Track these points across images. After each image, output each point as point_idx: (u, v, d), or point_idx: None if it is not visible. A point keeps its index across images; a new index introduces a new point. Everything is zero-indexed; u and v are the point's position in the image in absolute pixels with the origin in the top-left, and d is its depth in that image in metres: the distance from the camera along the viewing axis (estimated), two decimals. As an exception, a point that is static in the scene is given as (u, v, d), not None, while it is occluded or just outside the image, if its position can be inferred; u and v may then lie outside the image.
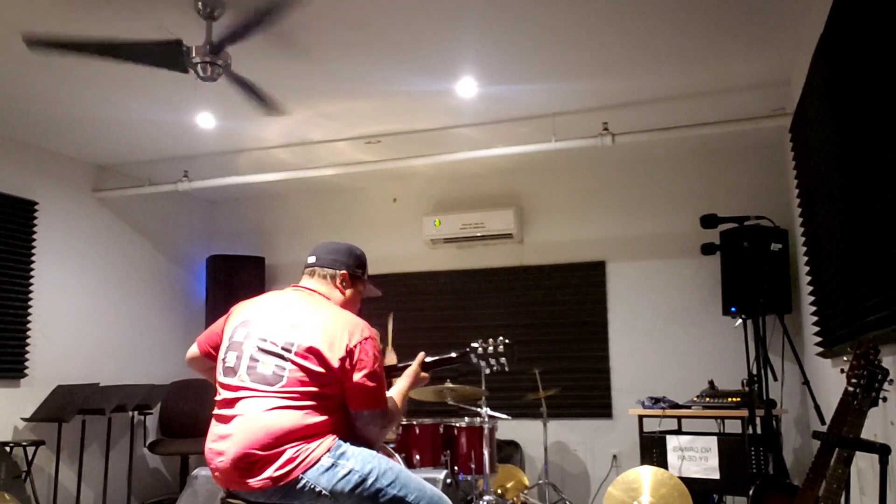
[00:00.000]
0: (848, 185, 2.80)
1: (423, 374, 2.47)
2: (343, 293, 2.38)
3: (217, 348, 2.33)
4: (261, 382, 2.12)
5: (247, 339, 2.20)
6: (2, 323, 4.89)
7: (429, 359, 2.51)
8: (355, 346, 2.14)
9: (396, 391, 2.36)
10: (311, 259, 2.42)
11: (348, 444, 2.13)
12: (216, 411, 2.18)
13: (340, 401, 2.15)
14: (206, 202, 6.97)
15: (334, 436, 2.12)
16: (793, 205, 4.62)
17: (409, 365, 2.49)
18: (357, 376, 2.12)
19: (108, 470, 5.27)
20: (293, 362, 2.11)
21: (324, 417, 2.10)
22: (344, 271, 2.39)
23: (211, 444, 2.14)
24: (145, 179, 5.80)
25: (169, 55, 3.27)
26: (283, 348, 2.14)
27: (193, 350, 2.43)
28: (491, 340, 2.61)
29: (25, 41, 3.27)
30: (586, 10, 3.48)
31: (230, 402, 2.14)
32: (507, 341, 2.59)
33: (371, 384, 2.14)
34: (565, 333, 5.83)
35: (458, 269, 6.20)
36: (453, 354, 2.60)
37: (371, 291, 2.51)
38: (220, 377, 2.21)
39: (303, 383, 2.10)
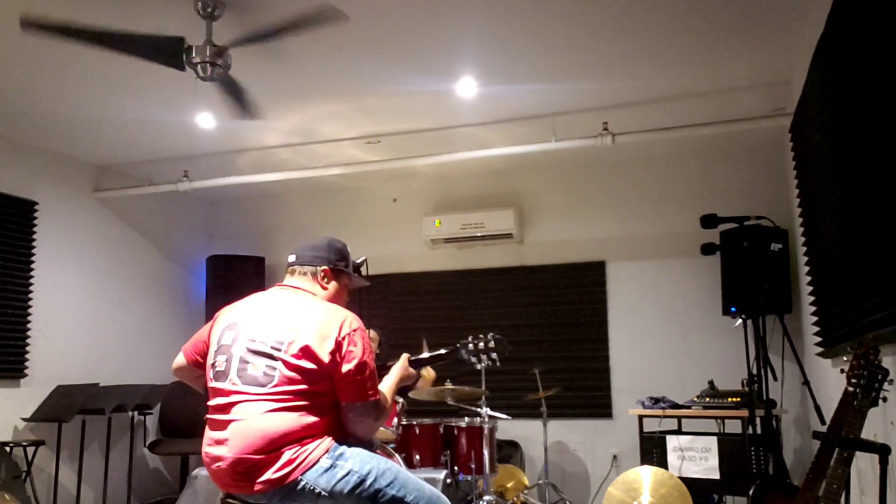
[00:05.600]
0: (848, 185, 2.80)
1: (411, 370, 2.51)
2: (326, 288, 2.37)
3: (204, 356, 2.31)
4: (252, 384, 2.11)
5: (235, 342, 2.19)
6: (2, 323, 4.89)
7: (414, 357, 2.56)
8: (344, 338, 2.13)
9: (385, 386, 2.35)
10: (292, 258, 2.41)
11: (346, 445, 2.13)
12: (210, 416, 2.17)
13: (333, 399, 2.14)
14: (206, 202, 6.96)
15: (331, 437, 2.11)
16: (793, 205, 4.61)
17: (416, 358, 2.53)
18: (346, 367, 2.11)
19: (108, 470, 5.27)
20: (284, 361, 2.10)
21: (318, 418, 2.10)
22: (325, 267, 2.37)
23: (207, 449, 2.14)
24: (145, 179, 5.80)
25: (169, 51, 3.25)
26: (272, 347, 2.13)
27: (180, 360, 2.40)
28: (482, 336, 2.64)
29: (22, 23, 3.15)
30: (586, 11, 3.48)
31: (224, 407, 2.13)
32: (497, 336, 2.62)
33: (362, 375, 2.13)
34: (565, 333, 5.83)
35: (458, 269, 6.20)
36: (443, 351, 2.62)
37: (358, 282, 2.50)
38: (212, 382, 2.20)
39: (294, 382, 2.09)
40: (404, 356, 2.53)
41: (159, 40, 3.24)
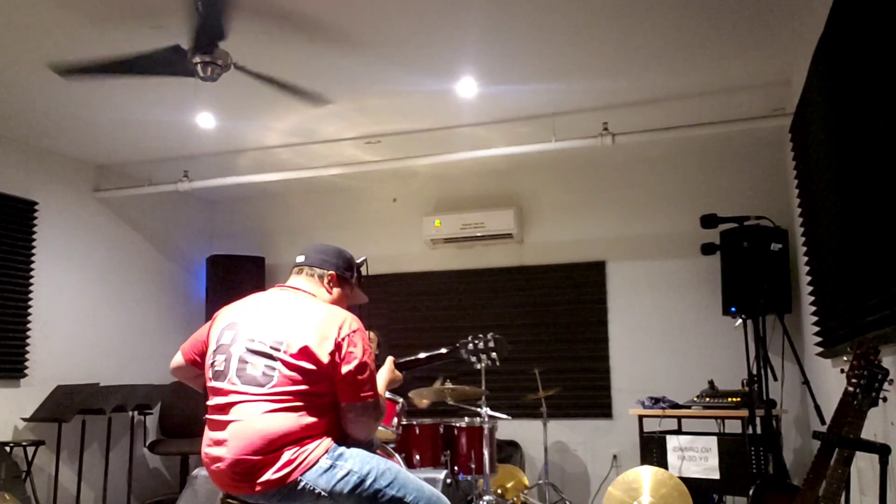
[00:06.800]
0: (848, 185, 2.80)
1: (398, 374, 2.55)
2: (329, 293, 2.38)
3: (203, 356, 2.31)
4: (251, 384, 2.11)
5: (234, 342, 2.19)
6: (2, 323, 4.89)
7: (409, 358, 2.59)
8: (343, 339, 2.14)
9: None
10: (300, 258, 2.43)
11: (345, 445, 2.13)
12: (210, 416, 2.17)
13: (332, 400, 2.14)
14: (206, 202, 6.96)
15: (330, 437, 2.11)
16: (793, 205, 4.61)
17: (416, 358, 2.54)
18: (346, 368, 2.11)
19: (108, 470, 5.27)
20: (283, 362, 2.10)
21: (318, 419, 2.10)
22: (332, 272, 2.39)
23: (207, 450, 2.14)
24: (145, 179, 5.80)
25: (173, 62, 3.30)
26: (271, 347, 2.13)
27: (178, 359, 2.40)
28: (481, 336, 2.65)
29: (55, 71, 3.52)
30: (586, 11, 3.48)
31: (223, 407, 2.13)
32: (497, 336, 2.63)
33: (362, 375, 2.13)
34: (565, 333, 5.83)
35: (458, 269, 6.19)
36: (443, 350, 2.63)
37: (358, 297, 2.50)
38: (211, 382, 2.20)
39: (294, 382, 2.09)
40: (389, 359, 2.55)
41: (159, 55, 3.29)
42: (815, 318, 3.79)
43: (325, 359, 2.10)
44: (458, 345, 2.63)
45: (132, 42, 3.56)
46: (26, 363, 5.04)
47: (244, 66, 3.69)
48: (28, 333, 5.07)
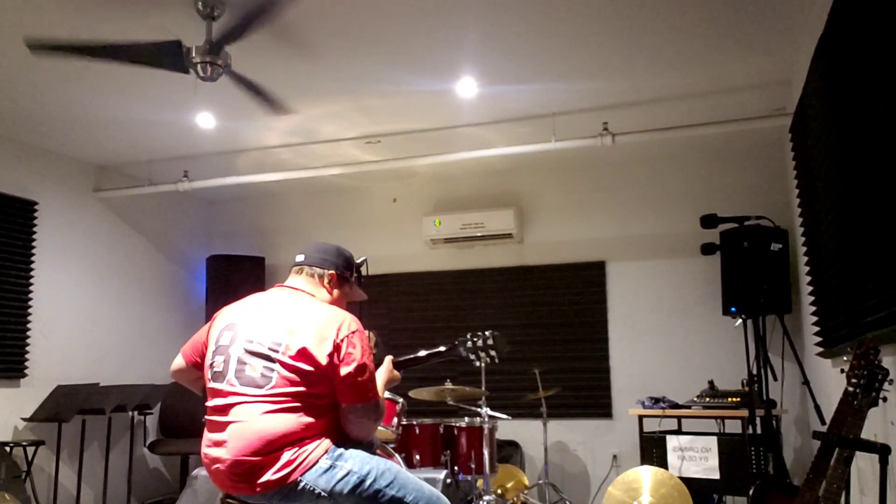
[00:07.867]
0: (848, 185, 2.80)
1: (396, 373, 2.54)
2: (330, 293, 2.37)
3: (203, 357, 2.31)
4: (250, 385, 2.10)
5: (233, 343, 2.19)
6: (2, 323, 4.89)
7: (408, 356, 2.59)
8: (342, 341, 2.13)
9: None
10: (300, 257, 2.42)
11: (345, 445, 2.13)
12: (209, 417, 2.17)
13: (331, 401, 2.14)
14: (205, 202, 6.96)
15: (329, 438, 2.11)
16: (793, 205, 4.62)
17: (415, 357, 2.55)
18: (346, 370, 2.11)
19: (108, 470, 5.27)
20: (282, 363, 2.10)
21: (317, 419, 2.10)
22: (332, 271, 2.38)
23: (206, 450, 2.14)
24: (145, 179, 5.80)
25: (169, 56, 3.28)
26: (270, 349, 2.12)
27: (179, 362, 2.39)
28: (480, 334, 2.64)
29: (28, 45, 3.29)
30: (586, 11, 3.48)
31: (223, 408, 2.13)
32: (495, 333, 2.63)
33: (361, 377, 2.13)
34: (565, 333, 5.83)
35: (458, 269, 6.20)
36: (442, 349, 2.63)
37: (357, 295, 2.49)
38: (210, 383, 2.20)
39: (292, 383, 2.09)
40: (388, 358, 2.54)
41: (158, 46, 3.25)
42: (815, 318, 3.79)
43: (323, 360, 2.10)
44: (456, 342, 2.62)
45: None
46: (26, 363, 5.04)
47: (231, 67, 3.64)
48: (28, 333, 5.07)
